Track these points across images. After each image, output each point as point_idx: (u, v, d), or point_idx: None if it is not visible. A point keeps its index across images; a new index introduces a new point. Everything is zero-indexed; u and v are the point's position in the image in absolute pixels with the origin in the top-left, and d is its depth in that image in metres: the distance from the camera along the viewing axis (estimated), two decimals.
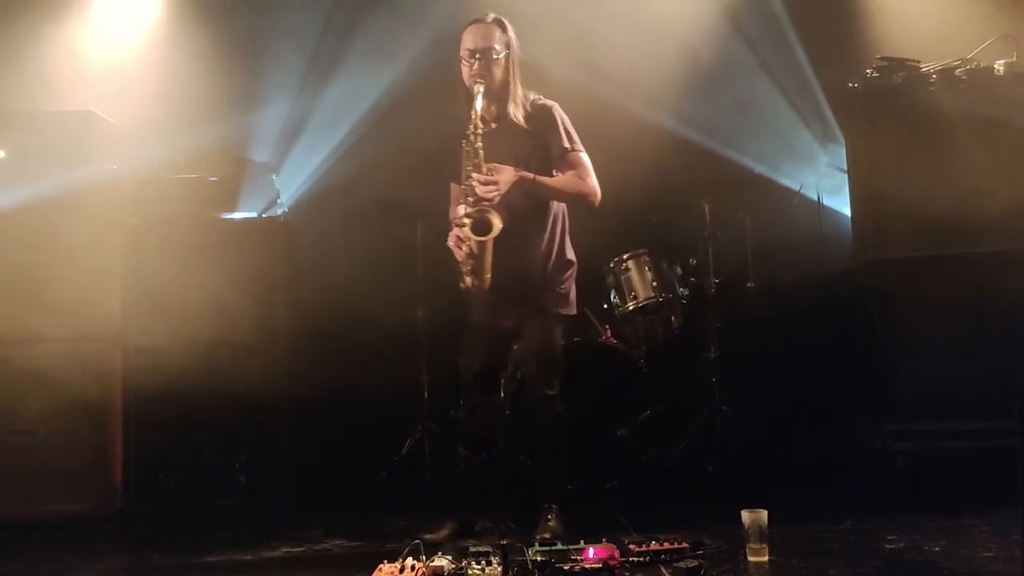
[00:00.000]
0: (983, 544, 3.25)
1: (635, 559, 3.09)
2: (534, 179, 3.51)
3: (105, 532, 3.98)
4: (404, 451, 4.64)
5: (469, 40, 3.54)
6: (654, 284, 4.62)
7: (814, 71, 5.13)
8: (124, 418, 4.19)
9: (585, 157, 3.60)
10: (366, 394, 4.76)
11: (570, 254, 3.73)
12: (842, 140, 4.88)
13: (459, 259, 3.48)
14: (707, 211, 4.77)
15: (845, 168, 4.78)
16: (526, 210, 3.58)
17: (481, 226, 3.38)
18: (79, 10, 5.04)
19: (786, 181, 5.15)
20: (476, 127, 3.43)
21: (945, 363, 4.23)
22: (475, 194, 3.40)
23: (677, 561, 3.04)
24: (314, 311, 4.65)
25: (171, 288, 4.12)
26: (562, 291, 3.68)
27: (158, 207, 4.33)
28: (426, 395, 4.77)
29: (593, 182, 3.59)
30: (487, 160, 3.43)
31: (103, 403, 4.16)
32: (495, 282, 3.47)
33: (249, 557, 3.56)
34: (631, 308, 4.63)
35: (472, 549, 3.17)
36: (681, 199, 4.85)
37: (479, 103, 3.44)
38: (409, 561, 3.02)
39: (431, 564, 3.01)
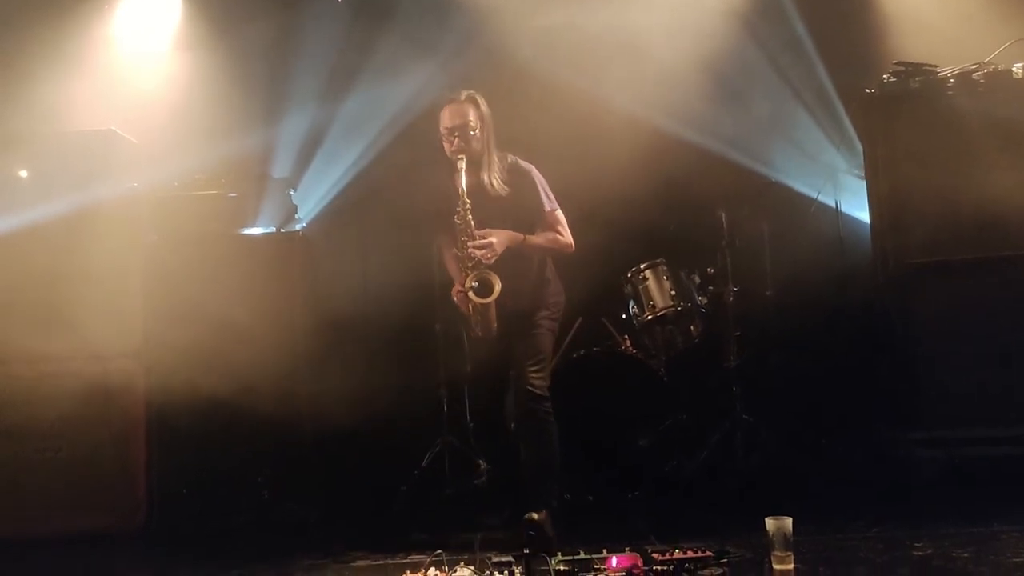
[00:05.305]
0: (1013, 550, 3.22)
1: (659, 568, 3.07)
2: (524, 239, 3.77)
3: (128, 548, 4.00)
4: (424, 464, 4.63)
5: (447, 119, 3.78)
6: (672, 293, 4.61)
7: (830, 78, 5.12)
8: (147, 434, 4.21)
9: (561, 214, 3.87)
10: (385, 408, 4.76)
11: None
12: (860, 146, 4.86)
13: (465, 314, 3.78)
14: (724, 220, 4.74)
15: (863, 174, 4.75)
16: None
17: (484, 288, 3.66)
18: (99, 32, 5.10)
19: (804, 188, 5.13)
20: (465, 202, 3.66)
21: (968, 369, 4.20)
22: (473, 259, 3.64)
23: (701, 570, 3.04)
24: (332, 324, 4.66)
25: (191, 304, 4.16)
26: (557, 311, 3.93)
27: (178, 224, 4.38)
28: (445, 408, 4.76)
29: (569, 237, 3.88)
30: (477, 226, 3.67)
31: (126, 419, 4.19)
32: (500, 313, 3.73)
33: (272, 571, 3.57)
34: (650, 318, 4.61)
35: (494, 559, 3.17)
36: (698, 208, 4.83)
37: (464, 180, 3.66)
38: (432, 571, 3.02)
39: (453, 575, 3.01)
